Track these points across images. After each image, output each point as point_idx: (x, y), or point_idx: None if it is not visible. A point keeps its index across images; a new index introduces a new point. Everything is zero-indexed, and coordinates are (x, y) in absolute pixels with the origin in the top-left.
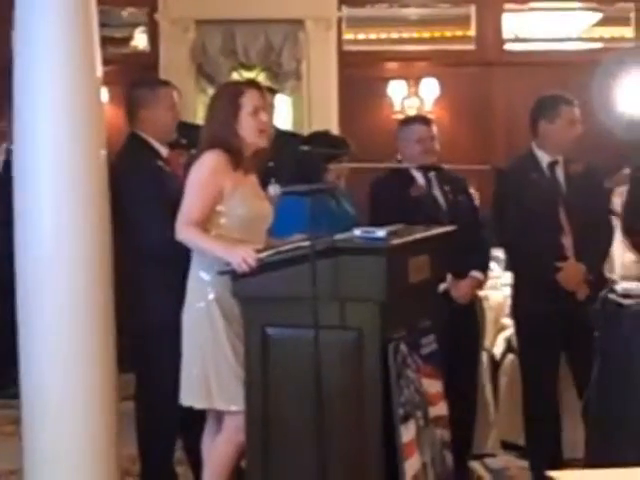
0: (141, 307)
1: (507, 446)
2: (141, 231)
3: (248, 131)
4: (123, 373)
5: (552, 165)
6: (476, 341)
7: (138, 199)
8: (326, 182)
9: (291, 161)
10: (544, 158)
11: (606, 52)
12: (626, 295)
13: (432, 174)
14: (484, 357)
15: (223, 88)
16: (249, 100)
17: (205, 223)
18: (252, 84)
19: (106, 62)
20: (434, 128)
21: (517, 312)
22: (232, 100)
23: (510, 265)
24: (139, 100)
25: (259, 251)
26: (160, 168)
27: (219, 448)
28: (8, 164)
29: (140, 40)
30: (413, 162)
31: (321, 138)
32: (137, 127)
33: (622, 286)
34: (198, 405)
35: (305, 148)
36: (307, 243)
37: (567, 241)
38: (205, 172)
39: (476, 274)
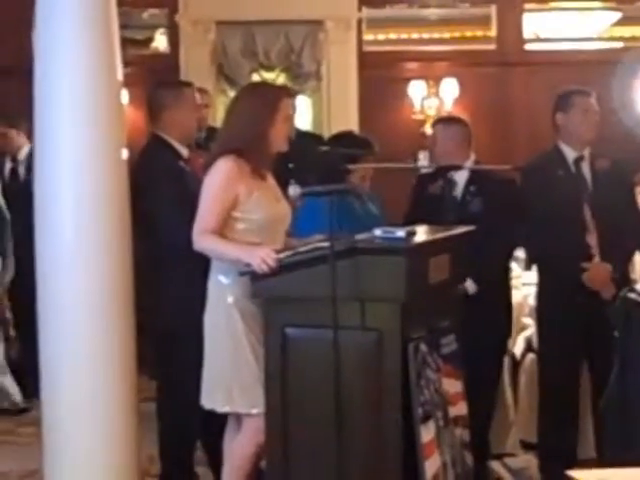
0: (164, 308)
1: (527, 446)
2: (165, 231)
3: (279, 136)
4: (142, 375)
5: (578, 161)
6: (497, 341)
7: (162, 200)
8: (350, 183)
9: (312, 162)
10: (570, 154)
11: (626, 51)
12: None
13: (461, 173)
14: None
15: (259, 89)
16: (285, 106)
17: (222, 229)
18: (286, 90)
19: (126, 64)
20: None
21: (540, 311)
22: (271, 103)
23: (535, 263)
24: (162, 101)
25: (279, 252)
26: (182, 169)
27: (239, 449)
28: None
29: (161, 42)
30: (441, 162)
31: (344, 139)
32: (159, 128)
33: None
34: (219, 409)
35: (324, 149)
36: (327, 244)
37: (592, 240)
38: (219, 179)
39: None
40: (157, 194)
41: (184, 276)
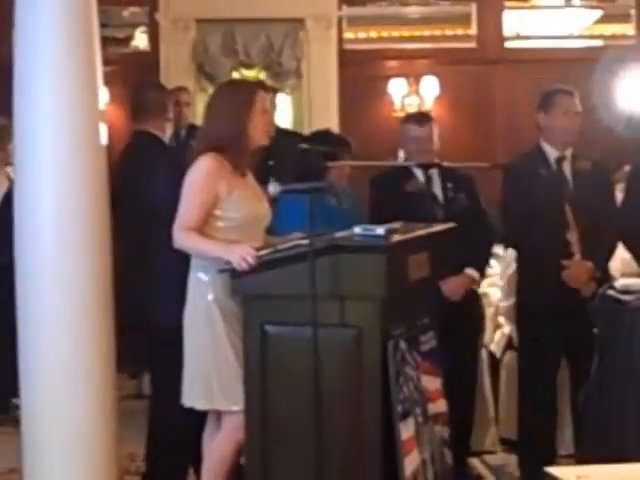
0: (156, 308)
1: (506, 443)
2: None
3: (258, 130)
4: (122, 373)
5: (559, 160)
6: (476, 338)
7: (168, 197)
8: (327, 181)
9: (292, 160)
10: (551, 153)
11: (607, 49)
12: (625, 291)
13: (433, 171)
14: (483, 354)
15: (235, 85)
16: (260, 99)
17: (203, 228)
18: (260, 84)
19: (107, 62)
20: (432, 126)
21: (520, 306)
22: (246, 97)
23: (516, 261)
24: (158, 102)
25: (258, 249)
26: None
27: (218, 446)
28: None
29: (141, 40)
30: (410, 160)
31: (322, 137)
32: (146, 127)
33: (621, 282)
34: (199, 406)
35: (304, 146)
36: (306, 241)
37: (573, 238)
38: (200, 177)
39: (470, 272)
40: (162, 192)
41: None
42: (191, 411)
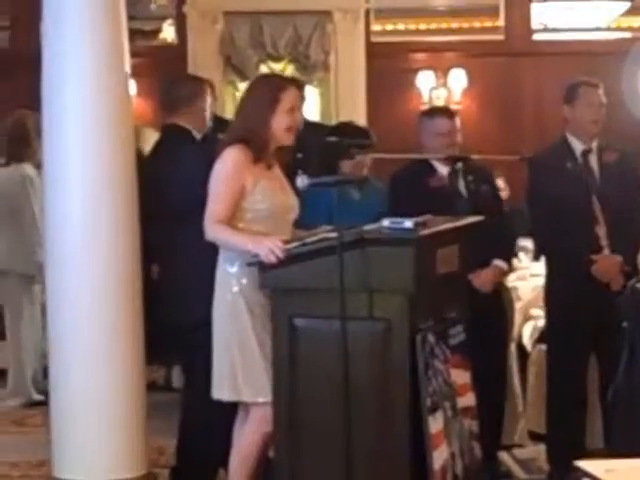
0: (188, 299)
1: (535, 437)
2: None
3: (280, 128)
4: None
5: (585, 153)
6: (504, 332)
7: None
8: (342, 173)
9: (317, 152)
10: (577, 146)
11: (635, 41)
12: None
13: (459, 165)
14: (513, 348)
15: (262, 80)
16: (289, 97)
17: (231, 219)
18: (294, 81)
19: (134, 55)
20: (457, 120)
21: (549, 302)
22: (272, 94)
23: (543, 254)
24: (185, 94)
25: (286, 242)
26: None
27: (246, 438)
28: None
29: (169, 33)
30: (433, 154)
31: (347, 129)
32: (178, 120)
33: None
34: (226, 398)
35: (333, 139)
36: (334, 234)
37: (601, 231)
38: (227, 169)
39: (499, 263)
40: (195, 187)
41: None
42: (223, 406)
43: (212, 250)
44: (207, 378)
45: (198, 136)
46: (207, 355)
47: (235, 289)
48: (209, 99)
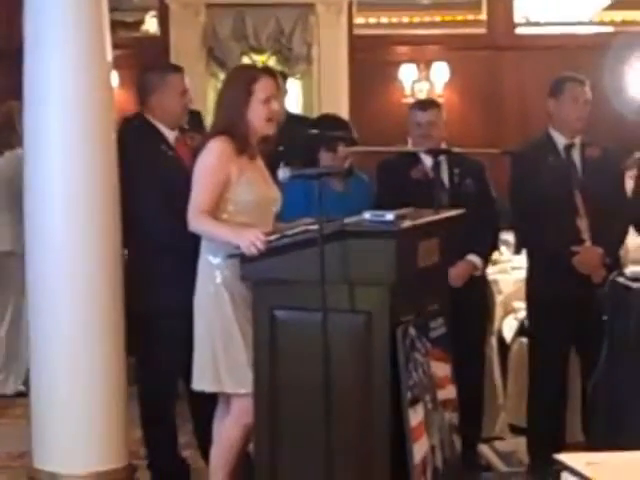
0: (145, 293)
1: (516, 430)
2: (144, 219)
3: (257, 118)
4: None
5: (568, 148)
6: (484, 325)
7: (140, 186)
8: (322, 166)
9: (299, 145)
10: (560, 140)
11: (617, 36)
12: (635, 278)
13: (442, 157)
14: (493, 341)
15: (236, 72)
16: (262, 87)
17: (215, 211)
18: (267, 71)
19: (117, 46)
20: (436, 112)
21: (530, 295)
22: (245, 86)
23: (525, 247)
24: (149, 86)
25: (267, 234)
26: (165, 153)
27: (226, 430)
28: None
29: (151, 24)
30: (415, 145)
31: (328, 121)
32: (147, 111)
33: (631, 269)
34: (208, 389)
35: (315, 131)
36: (315, 226)
37: (583, 224)
38: (211, 160)
39: (472, 258)
40: (134, 179)
41: (163, 262)
42: (174, 393)
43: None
44: (158, 369)
45: (169, 134)
46: (159, 345)
47: (218, 280)
48: (179, 89)
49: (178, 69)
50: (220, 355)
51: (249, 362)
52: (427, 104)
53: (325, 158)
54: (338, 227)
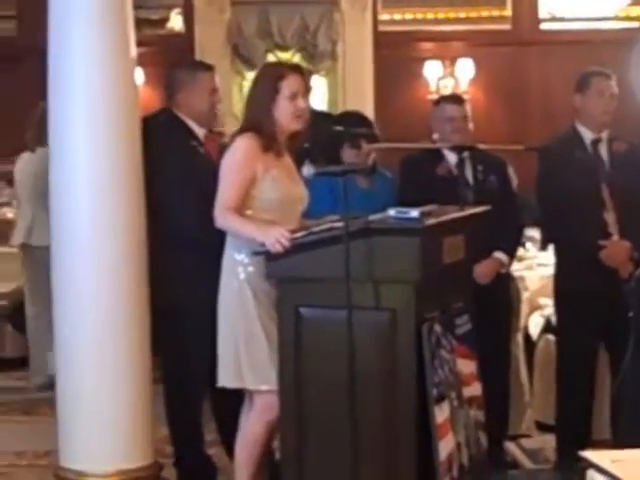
0: (171, 289)
1: (542, 427)
2: (170, 213)
3: (284, 115)
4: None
5: (595, 143)
6: (510, 322)
7: (169, 181)
8: (345, 163)
9: (323, 141)
10: (587, 135)
11: None
12: None
13: (466, 154)
14: (519, 338)
15: (263, 70)
16: (289, 84)
17: (241, 207)
18: (294, 68)
19: (142, 44)
20: (467, 107)
21: (558, 290)
22: (272, 83)
23: (552, 243)
24: (178, 83)
25: (293, 231)
26: (194, 149)
27: (250, 426)
28: None
29: (176, 22)
30: (444, 141)
31: (351, 118)
32: (175, 108)
33: None
34: (230, 385)
35: (339, 128)
36: (341, 224)
37: (610, 218)
38: (238, 156)
39: (498, 255)
40: (164, 175)
41: (188, 258)
42: (203, 390)
43: (193, 244)
44: (185, 366)
45: (198, 130)
46: (186, 343)
47: (242, 276)
48: (209, 87)
49: (209, 67)
50: (242, 352)
51: (271, 359)
52: (460, 98)
53: (348, 155)
54: (363, 224)
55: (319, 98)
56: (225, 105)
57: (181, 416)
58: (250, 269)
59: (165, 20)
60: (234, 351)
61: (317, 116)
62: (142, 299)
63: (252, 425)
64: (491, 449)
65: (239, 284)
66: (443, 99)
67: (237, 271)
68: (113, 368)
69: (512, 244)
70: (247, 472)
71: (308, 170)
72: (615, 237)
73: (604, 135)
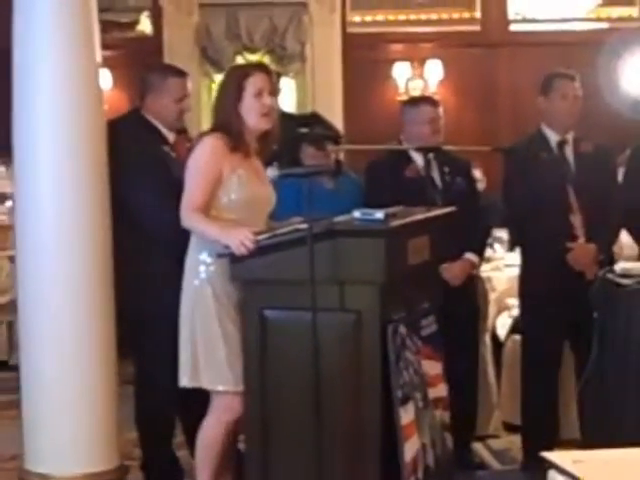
0: (139, 292)
1: (510, 427)
2: (141, 214)
3: (250, 114)
4: (122, 358)
5: (561, 144)
6: (476, 323)
7: (139, 183)
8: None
9: (286, 142)
10: (552, 137)
11: (612, 32)
12: (625, 275)
13: (431, 155)
14: (487, 338)
15: (230, 71)
16: (254, 81)
17: (207, 207)
18: (259, 67)
19: (111, 47)
20: (440, 109)
21: (523, 291)
22: (237, 82)
23: (518, 244)
24: (148, 86)
25: (257, 233)
26: (162, 151)
27: (208, 428)
28: None
29: (146, 24)
30: (420, 143)
31: (318, 120)
32: (145, 110)
33: (621, 266)
34: (187, 384)
35: (304, 130)
36: (305, 225)
37: (577, 220)
38: (204, 157)
39: (469, 256)
40: (136, 179)
41: (161, 260)
42: (175, 394)
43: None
44: (156, 370)
45: (168, 134)
46: (157, 348)
47: (203, 276)
48: (177, 93)
49: (180, 73)
50: (200, 351)
51: (229, 360)
52: (432, 100)
53: (310, 156)
54: (327, 226)
55: (288, 100)
56: (194, 107)
57: (151, 418)
58: (212, 269)
59: (135, 23)
60: (192, 350)
61: (280, 117)
62: (107, 301)
63: (211, 426)
64: (458, 450)
65: (200, 283)
66: (417, 100)
67: (199, 270)
68: (78, 371)
69: (481, 245)
70: (207, 472)
71: (272, 171)
72: (581, 240)
73: (570, 136)
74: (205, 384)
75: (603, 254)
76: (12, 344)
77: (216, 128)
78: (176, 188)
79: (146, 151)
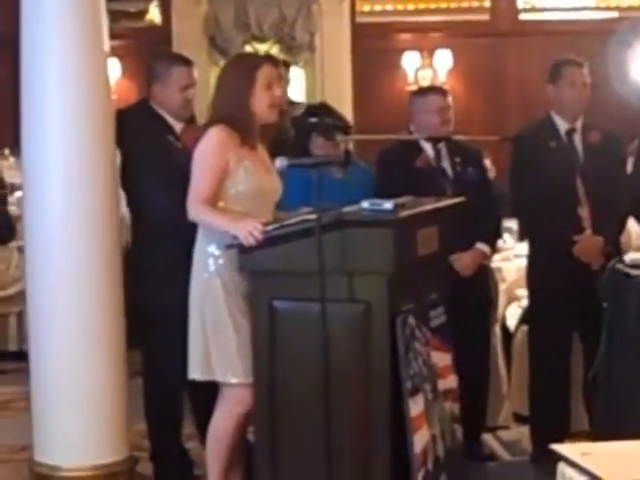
0: (147, 283)
1: (520, 418)
2: (149, 209)
3: (260, 105)
4: (131, 350)
5: (570, 132)
6: (487, 313)
7: (142, 173)
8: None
9: (295, 133)
10: (562, 125)
11: (621, 21)
12: (634, 265)
13: (441, 145)
14: (497, 329)
15: (238, 59)
16: (264, 73)
17: (214, 199)
18: (269, 58)
19: (120, 36)
20: (450, 98)
21: (532, 283)
22: (247, 73)
23: (526, 235)
24: (154, 75)
25: (266, 224)
26: (169, 142)
27: (219, 420)
28: None
29: (155, 14)
30: (430, 133)
31: (327, 110)
32: (152, 100)
33: (630, 257)
34: (199, 377)
35: (313, 120)
36: (314, 216)
37: (584, 212)
38: (210, 148)
39: (481, 246)
40: (140, 169)
41: (167, 251)
42: (183, 386)
43: (176, 238)
44: (164, 362)
45: (175, 124)
46: (166, 338)
47: (212, 268)
48: (182, 82)
49: (186, 62)
50: (211, 343)
51: (239, 352)
52: (441, 90)
53: (319, 146)
54: (336, 216)
55: (297, 89)
56: (202, 97)
57: (160, 410)
58: (220, 261)
59: (144, 12)
60: (203, 343)
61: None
62: (116, 293)
63: (222, 418)
64: (469, 441)
65: (209, 275)
66: (426, 90)
67: (207, 263)
68: (87, 363)
69: (492, 235)
70: (218, 464)
71: (280, 162)
72: (588, 232)
73: (578, 125)
74: (218, 377)
75: (610, 246)
76: (22, 335)
77: (220, 119)
78: (180, 178)
79: (151, 141)
